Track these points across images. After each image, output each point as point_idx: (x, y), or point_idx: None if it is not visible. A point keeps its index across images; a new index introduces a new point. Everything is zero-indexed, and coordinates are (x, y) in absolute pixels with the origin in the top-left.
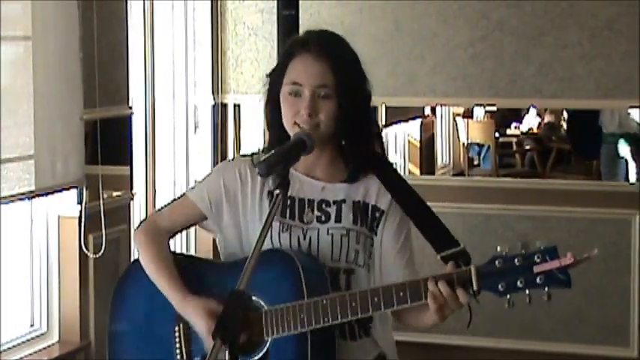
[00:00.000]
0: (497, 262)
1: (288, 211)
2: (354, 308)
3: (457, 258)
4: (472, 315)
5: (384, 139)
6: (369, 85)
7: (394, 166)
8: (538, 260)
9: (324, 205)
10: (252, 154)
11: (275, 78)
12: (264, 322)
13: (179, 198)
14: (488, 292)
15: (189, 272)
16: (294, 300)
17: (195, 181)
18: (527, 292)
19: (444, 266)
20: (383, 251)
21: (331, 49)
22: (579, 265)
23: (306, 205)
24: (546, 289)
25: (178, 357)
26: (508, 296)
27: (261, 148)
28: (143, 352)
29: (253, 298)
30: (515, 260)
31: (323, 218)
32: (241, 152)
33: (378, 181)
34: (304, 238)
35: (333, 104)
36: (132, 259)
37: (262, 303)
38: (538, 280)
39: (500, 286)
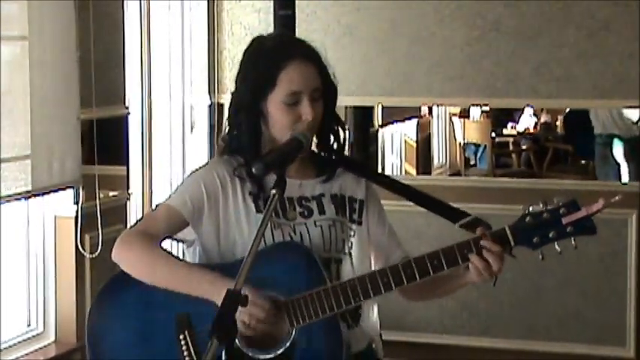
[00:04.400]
0: (527, 219)
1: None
2: (387, 283)
3: (477, 224)
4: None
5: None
6: (335, 81)
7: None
8: (564, 213)
9: (303, 201)
10: (223, 155)
11: (259, 88)
12: (286, 313)
13: (155, 209)
14: (523, 246)
15: None
16: (313, 287)
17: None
18: (556, 243)
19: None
20: (373, 238)
21: (312, 51)
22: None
23: (287, 204)
24: (573, 238)
25: None
26: (540, 249)
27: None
28: None
29: (268, 293)
30: (544, 215)
31: (306, 213)
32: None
33: (349, 173)
34: (295, 234)
35: (321, 105)
36: None
37: (278, 296)
38: (568, 229)
39: (534, 240)
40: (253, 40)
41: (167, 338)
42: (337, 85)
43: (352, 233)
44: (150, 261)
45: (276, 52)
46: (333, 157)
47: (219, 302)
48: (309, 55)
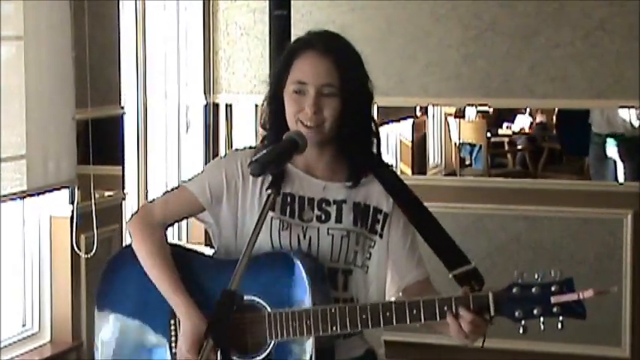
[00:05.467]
0: (514, 289)
1: (288, 208)
2: (365, 320)
3: (470, 278)
4: (485, 338)
5: (381, 140)
6: (371, 85)
7: (391, 167)
8: (555, 291)
9: (324, 205)
10: (251, 147)
11: (278, 77)
12: (267, 325)
13: (174, 190)
14: (504, 317)
15: (185, 268)
16: (297, 304)
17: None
18: (541, 319)
19: (454, 285)
20: (392, 253)
21: (335, 47)
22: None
23: (306, 203)
24: (560, 318)
25: (174, 350)
26: (523, 322)
27: (258, 145)
28: (132, 339)
29: (255, 299)
30: (533, 289)
31: (323, 217)
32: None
33: (378, 183)
34: (304, 237)
35: (337, 102)
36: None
37: (264, 304)
38: (554, 309)
39: (517, 313)
40: None
41: (162, 318)
42: (372, 91)
43: (372, 244)
44: (145, 257)
45: (301, 41)
46: (363, 162)
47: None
48: (329, 49)
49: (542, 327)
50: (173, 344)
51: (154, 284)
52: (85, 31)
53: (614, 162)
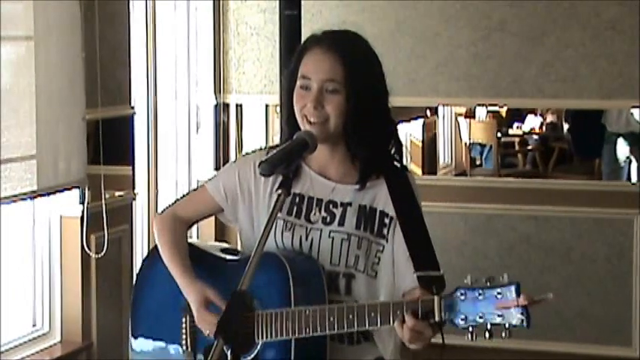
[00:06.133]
0: (459, 293)
1: (295, 208)
2: (332, 323)
3: (433, 282)
4: (444, 342)
5: (402, 141)
6: (385, 84)
7: (407, 171)
8: (499, 297)
9: (331, 206)
10: (270, 147)
11: (290, 74)
12: (255, 325)
13: (197, 189)
14: (449, 324)
15: (201, 266)
16: (281, 307)
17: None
18: (488, 326)
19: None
20: (395, 257)
21: (343, 44)
22: (536, 306)
23: (315, 204)
24: (506, 325)
25: (183, 347)
26: (470, 329)
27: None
28: (155, 333)
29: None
30: (477, 293)
31: (328, 219)
32: (254, 149)
33: (386, 187)
34: (306, 239)
35: (341, 99)
36: (133, 258)
37: (258, 305)
38: (497, 315)
39: (459, 319)
40: None
41: (177, 315)
42: (386, 91)
43: (381, 249)
44: (163, 249)
45: (309, 40)
46: (371, 163)
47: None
48: (335, 45)
49: (487, 335)
50: (183, 341)
51: (173, 279)
52: (95, 31)
53: (630, 161)
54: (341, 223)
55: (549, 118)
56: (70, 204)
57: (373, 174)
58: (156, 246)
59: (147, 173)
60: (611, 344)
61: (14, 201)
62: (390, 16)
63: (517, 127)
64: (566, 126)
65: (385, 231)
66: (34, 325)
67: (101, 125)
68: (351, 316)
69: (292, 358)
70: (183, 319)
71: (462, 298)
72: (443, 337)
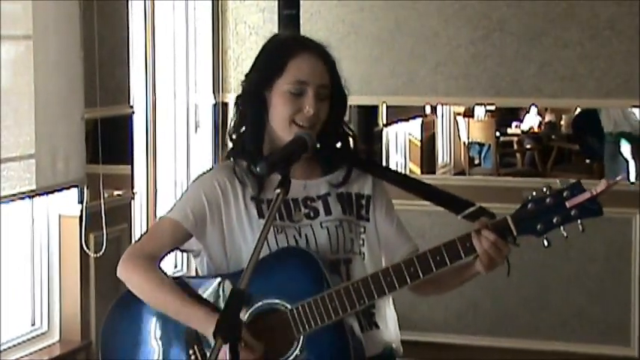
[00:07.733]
0: (529, 205)
1: (276, 213)
2: (391, 282)
3: (480, 215)
4: (510, 264)
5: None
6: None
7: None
8: (568, 196)
9: (309, 202)
10: (228, 158)
11: (266, 77)
12: (292, 321)
13: (157, 224)
14: (528, 234)
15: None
16: (317, 293)
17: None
18: (562, 228)
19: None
20: (381, 234)
21: (324, 50)
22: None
23: (292, 205)
24: (579, 220)
25: None
26: (545, 236)
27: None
28: None
29: (274, 301)
30: (547, 200)
31: (312, 214)
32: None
33: (355, 170)
34: (300, 236)
35: (327, 105)
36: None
37: (284, 303)
38: (573, 213)
39: (538, 227)
40: (272, 36)
41: (177, 352)
42: (348, 95)
43: (363, 230)
44: (149, 289)
45: (291, 42)
46: (333, 153)
47: (209, 337)
48: (322, 53)
49: (564, 235)
50: None
51: (153, 323)
52: (94, 31)
53: (627, 161)
54: (328, 213)
55: (548, 118)
56: (68, 203)
57: (336, 162)
58: (122, 297)
59: (146, 172)
60: (609, 343)
61: (13, 200)
62: (388, 16)
63: (516, 127)
64: (565, 125)
65: (363, 212)
66: (32, 325)
67: (100, 124)
68: (412, 269)
69: (349, 338)
70: (191, 351)
71: (533, 208)
72: (509, 261)
